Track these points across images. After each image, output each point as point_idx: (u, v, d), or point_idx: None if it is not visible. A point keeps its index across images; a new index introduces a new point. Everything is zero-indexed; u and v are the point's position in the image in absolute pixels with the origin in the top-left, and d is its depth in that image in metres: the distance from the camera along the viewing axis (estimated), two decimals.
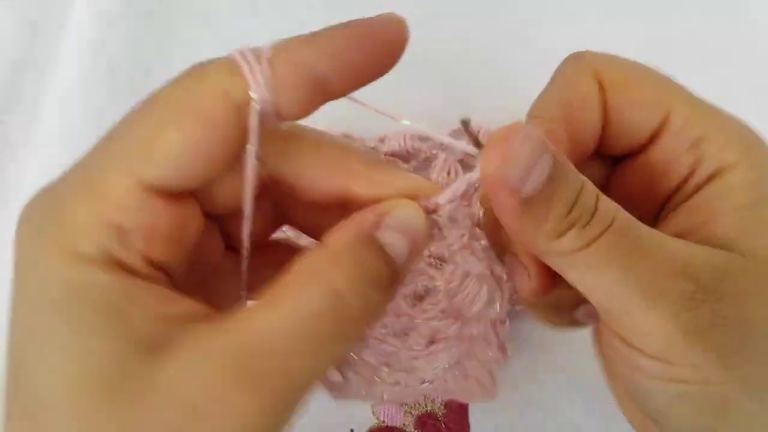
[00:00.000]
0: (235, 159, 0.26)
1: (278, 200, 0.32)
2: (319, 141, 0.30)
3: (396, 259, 0.27)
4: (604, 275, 0.27)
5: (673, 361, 0.27)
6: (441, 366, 0.37)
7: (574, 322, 0.34)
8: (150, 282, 0.26)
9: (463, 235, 0.33)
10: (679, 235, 0.29)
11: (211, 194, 0.29)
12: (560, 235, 0.27)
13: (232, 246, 0.32)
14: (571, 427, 0.45)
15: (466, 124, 0.29)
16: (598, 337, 0.32)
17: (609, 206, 0.28)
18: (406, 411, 0.45)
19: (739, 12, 0.58)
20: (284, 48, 0.26)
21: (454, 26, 0.56)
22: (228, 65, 0.26)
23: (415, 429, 0.45)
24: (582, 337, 0.47)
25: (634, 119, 0.31)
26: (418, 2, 0.57)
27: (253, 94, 0.25)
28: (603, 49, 0.34)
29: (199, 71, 0.26)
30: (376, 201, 0.28)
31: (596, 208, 0.27)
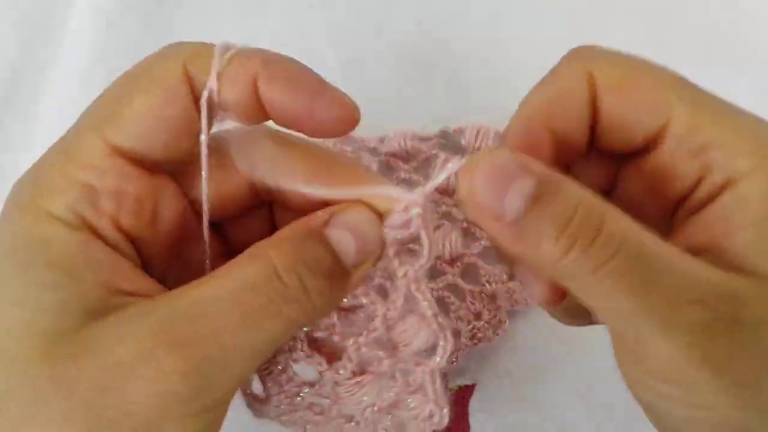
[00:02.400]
0: (190, 133, 0.28)
1: (274, 207, 0.33)
2: (307, 149, 0.30)
3: (341, 254, 0.28)
4: (615, 302, 0.26)
5: (687, 388, 0.26)
6: (367, 404, 0.33)
7: (594, 322, 0.33)
8: (115, 251, 0.27)
9: (411, 267, 0.30)
10: (693, 251, 0.27)
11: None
12: (561, 256, 0.26)
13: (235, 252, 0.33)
14: (571, 428, 0.45)
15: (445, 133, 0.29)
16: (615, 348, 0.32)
17: (617, 226, 0.26)
18: None
19: (738, 11, 0.58)
20: (246, 52, 0.28)
21: (454, 26, 0.56)
22: (194, 47, 0.28)
23: None
24: (581, 338, 0.47)
25: (628, 123, 0.29)
26: (419, 2, 0.57)
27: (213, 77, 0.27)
28: None
29: (168, 49, 0.29)
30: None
31: (601, 228, 0.25)
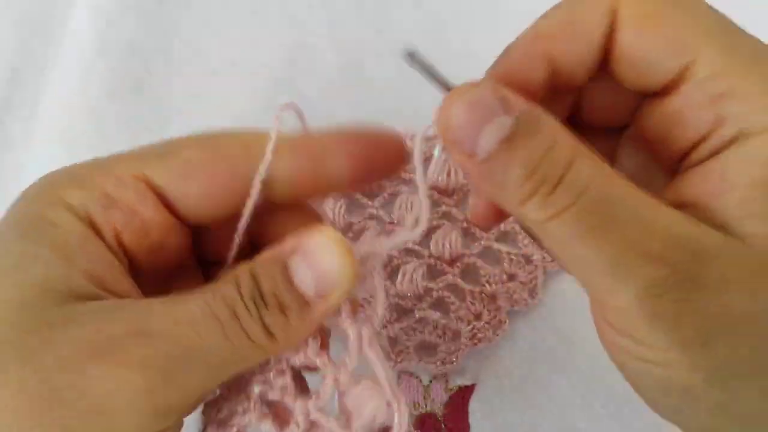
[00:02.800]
0: (229, 204, 0.30)
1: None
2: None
3: (300, 286, 0.27)
4: (572, 250, 0.26)
5: (638, 341, 0.26)
6: None
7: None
8: (110, 252, 0.28)
9: (363, 326, 0.29)
10: (685, 203, 0.27)
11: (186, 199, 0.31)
12: (522, 202, 0.25)
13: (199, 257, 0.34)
14: (571, 428, 0.45)
15: (412, 55, 0.28)
16: None
17: (583, 173, 0.25)
18: None
19: (739, 11, 0.57)
20: (307, 136, 0.30)
21: (454, 26, 0.56)
22: (259, 133, 0.30)
23: (415, 429, 0.45)
24: (581, 337, 0.47)
25: (647, 62, 0.27)
26: (419, 2, 0.57)
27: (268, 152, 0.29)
28: None
29: (243, 130, 0.30)
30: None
31: (565, 175, 0.25)
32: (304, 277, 0.27)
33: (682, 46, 0.26)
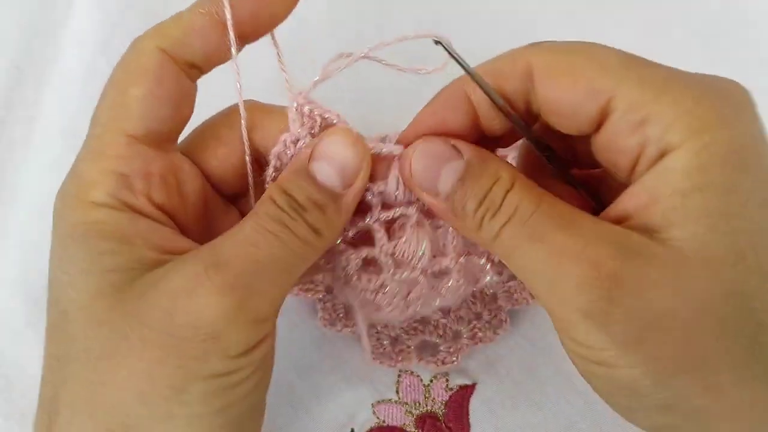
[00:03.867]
0: (186, 97, 0.34)
1: None
2: (282, 112, 0.36)
3: (326, 183, 0.32)
4: (513, 262, 0.30)
5: (581, 344, 0.28)
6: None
7: None
8: (155, 222, 0.32)
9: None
10: (620, 218, 0.29)
11: (214, 173, 0.36)
12: (478, 228, 0.31)
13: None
14: (571, 427, 0.45)
15: (439, 43, 0.34)
16: None
17: (515, 197, 0.30)
18: (406, 411, 0.45)
19: (739, 11, 0.58)
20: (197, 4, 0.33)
21: (454, 26, 0.56)
22: (156, 30, 0.33)
23: (415, 429, 0.45)
24: None
25: (569, 105, 0.30)
26: (419, 2, 0.57)
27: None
28: None
29: (136, 42, 0.33)
30: None
31: (503, 201, 0.30)
32: (328, 175, 0.32)
33: (595, 90, 0.30)
